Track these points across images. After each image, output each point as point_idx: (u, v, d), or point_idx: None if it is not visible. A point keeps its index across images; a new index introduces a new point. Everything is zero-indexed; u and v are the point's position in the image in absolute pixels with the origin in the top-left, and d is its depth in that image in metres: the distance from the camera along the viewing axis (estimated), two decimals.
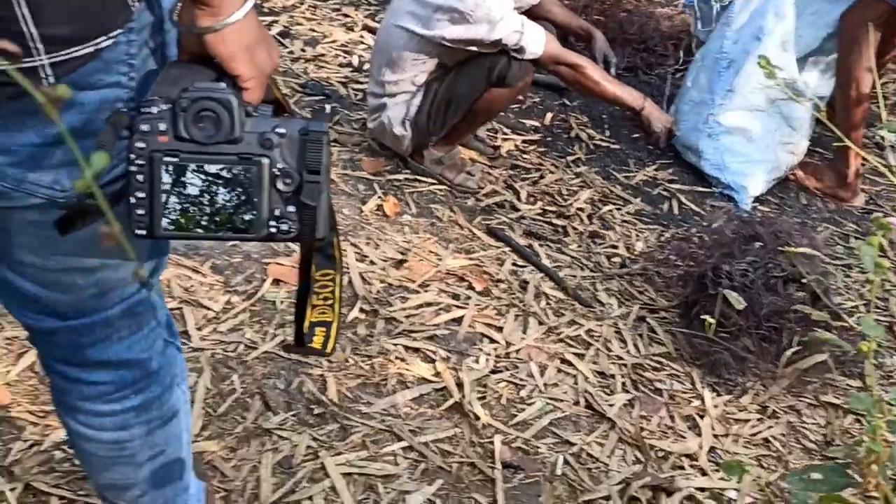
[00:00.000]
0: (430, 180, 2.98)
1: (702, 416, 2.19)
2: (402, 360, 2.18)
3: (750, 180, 3.24)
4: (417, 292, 2.43)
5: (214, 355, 2.08)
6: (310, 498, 1.78)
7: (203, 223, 0.90)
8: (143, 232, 0.90)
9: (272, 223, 0.92)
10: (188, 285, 2.28)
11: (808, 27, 3.22)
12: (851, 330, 2.21)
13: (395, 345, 2.22)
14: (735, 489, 2.00)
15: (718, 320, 2.31)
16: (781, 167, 3.33)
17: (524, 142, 3.36)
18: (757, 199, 3.27)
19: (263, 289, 2.32)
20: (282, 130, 0.91)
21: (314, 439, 1.92)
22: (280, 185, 0.91)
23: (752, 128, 3.25)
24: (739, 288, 2.30)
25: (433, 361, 2.20)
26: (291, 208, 0.92)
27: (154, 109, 0.87)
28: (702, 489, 1.97)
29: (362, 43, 3.86)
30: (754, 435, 2.18)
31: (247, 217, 0.91)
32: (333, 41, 3.81)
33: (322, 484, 1.81)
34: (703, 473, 2.02)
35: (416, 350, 2.23)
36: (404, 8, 2.68)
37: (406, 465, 1.90)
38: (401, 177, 2.96)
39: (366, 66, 3.62)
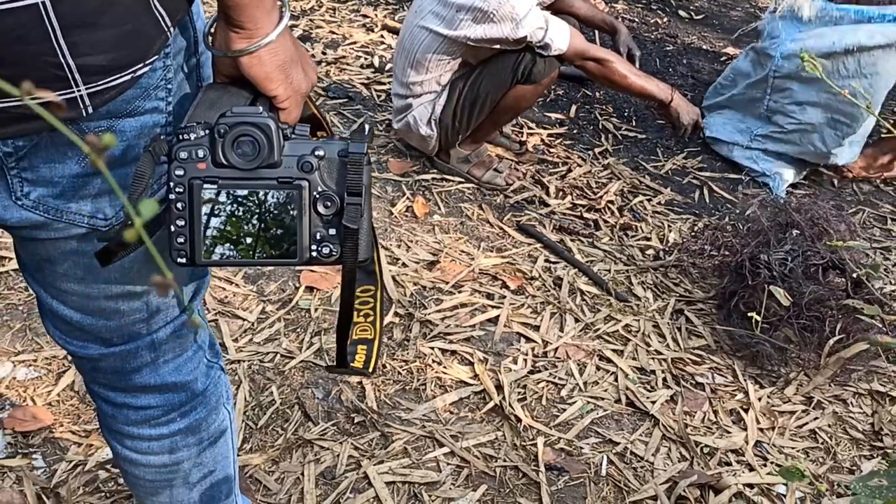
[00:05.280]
0: (457, 179, 2.96)
1: (746, 410, 2.16)
2: (440, 363, 2.17)
3: (785, 168, 3.20)
4: (451, 293, 2.41)
5: (252, 366, 2.08)
6: None
7: (243, 250, 0.89)
8: (184, 260, 0.88)
9: (314, 247, 0.91)
10: (222, 296, 2.28)
11: None
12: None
13: (432, 348, 2.21)
14: (784, 484, 1.97)
15: (757, 311, 2.28)
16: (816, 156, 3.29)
17: (550, 135, 3.34)
18: (792, 184, 3.23)
19: (297, 296, 2.31)
20: (321, 153, 0.89)
21: (356, 448, 1.91)
22: (321, 209, 0.89)
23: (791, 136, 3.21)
24: (778, 277, 2.27)
25: (471, 364, 2.18)
26: (332, 231, 0.90)
27: (192, 136, 0.86)
28: (750, 485, 1.95)
29: (383, 43, 3.85)
30: (800, 427, 2.14)
31: (288, 242, 0.89)
32: (354, 42, 3.80)
33: (366, 494, 1.80)
34: (751, 469, 1.99)
35: (454, 353, 2.21)
36: (427, 8, 2.66)
37: (449, 472, 1.89)
38: (428, 177, 2.95)
39: (388, 67, 3.61)
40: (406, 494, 1.83)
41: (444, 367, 2.15)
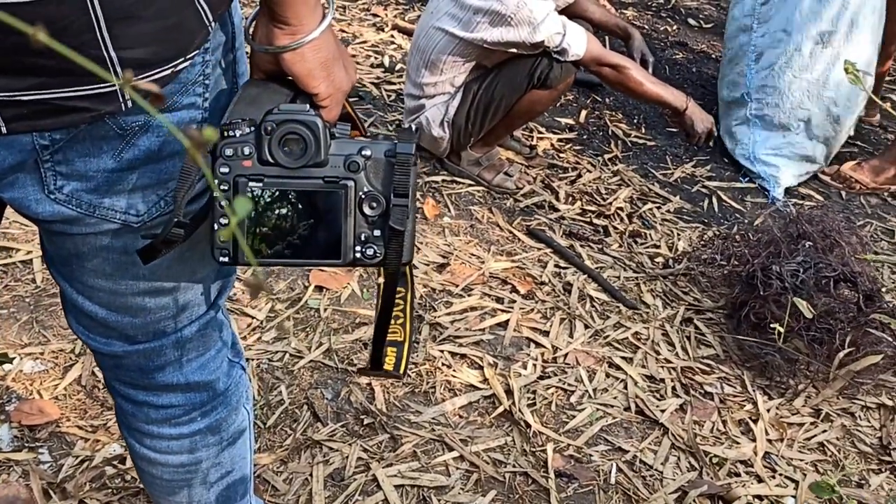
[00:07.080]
0: (467, 181, 2.95)
1: (755, 421, 2.15)
2: (449, 366, 2.15)
3: (781, 171, 3.23)
4: (461, 296, 2.40)
5: (260, 365, 2.06)
6: None
7: (287, 249, 0.87)
8: (227, 259, 0.87)
9: (358, 248, 0.89)
10: (230, 293, 2.26)
11: None
12: None
13: (442, 351, 2.19)
14: (793, 496, 1.96)
15: (768, 322, 2.27)
16: (816, 160, 3.30)
17: (560, 140, 3.33)
18: (800, 196, 3.24)
19: (306, 295, 2.30)
20: (367, 153, 0.88)
21: (364, 450, 1.89)
22: (366, 210, 0.88)
23: (790, 123, 3.24)
24: (790, 288, 2.26)
25: (480, 368, 2.17)
26: (377, 232, 0.89)
27: (237, 132, 0.84)
28: (759, 497, 1.94)
29: (393, 43, 3.83)
30: (809, 439, 2.13)
31: (332, 242, 0.88)
32: (364, 42, 3.78)
33: (375, 497, 1.79)
34: (759, 480, 1.98)
35: (463, 356, 2.20)
36: (443, 9, 2.64)
37: (458, 476, 1.88)
38: (438, 178, 2.93)
39: (398, 67, 3.60)
40: (415, 498, 1.81)
41: (454, 371, 2.14)
